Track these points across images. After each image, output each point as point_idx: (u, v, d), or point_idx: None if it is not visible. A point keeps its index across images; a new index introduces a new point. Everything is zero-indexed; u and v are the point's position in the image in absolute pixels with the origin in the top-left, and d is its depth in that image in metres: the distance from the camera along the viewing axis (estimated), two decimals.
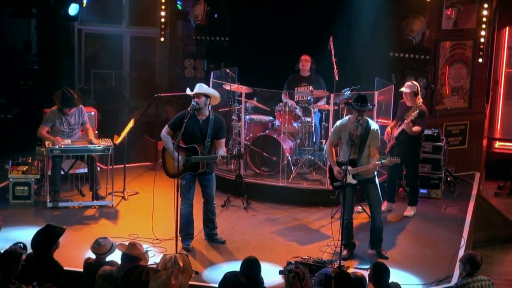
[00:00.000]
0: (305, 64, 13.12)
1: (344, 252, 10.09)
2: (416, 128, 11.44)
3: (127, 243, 8.38)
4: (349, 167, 9.91)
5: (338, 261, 9.57)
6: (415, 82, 11.81)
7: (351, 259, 10.16)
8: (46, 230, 8.46)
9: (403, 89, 11.63)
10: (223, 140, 10.28)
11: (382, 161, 10.06)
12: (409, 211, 11.91)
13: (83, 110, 12.10)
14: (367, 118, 10.12)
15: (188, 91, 10.23)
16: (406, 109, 11.59)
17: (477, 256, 8.41)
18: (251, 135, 12.90)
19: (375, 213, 10.22)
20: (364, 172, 10.05)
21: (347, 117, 10.28)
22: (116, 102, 16.42)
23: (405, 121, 11.40)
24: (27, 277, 7.88)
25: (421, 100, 11.67)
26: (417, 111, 11.38)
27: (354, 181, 10.02)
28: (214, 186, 10.47)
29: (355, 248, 10.35)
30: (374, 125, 10.09)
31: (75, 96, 11.92)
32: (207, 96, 10.14)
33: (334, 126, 10.34)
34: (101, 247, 8.48)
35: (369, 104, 10.13)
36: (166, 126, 10.30)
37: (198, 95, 10.09)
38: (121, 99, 16.63)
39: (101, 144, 11.83)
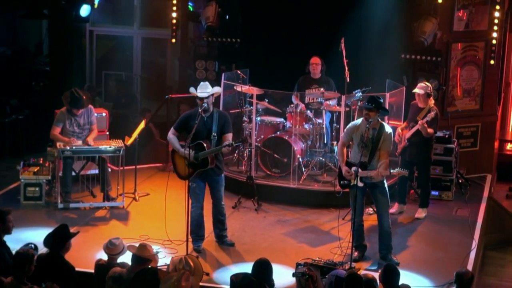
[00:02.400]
0: (315, 67, 13.12)
1: (355, 254, 10.06)
2: (430, 130, 11.42)
3: (137, 245, 8.39)
4: (359, 170, 9.86)
5: (349, 263, 9.56)
6: (428, 83, 11.79)
7: (362, 261, 10.14)
8: (60, 227, 8.48)
9: (416, 90, 11.59)
10: (230, 134, 10.25)
11: (391, 171, 9.97)
12: (420, 213, 11.88)
13: (92, 110, 12.11)
14: (382, 122, 10.07)
15: (192, 90, 10.22)
16: (418, 110, 11.56)
17: (466, 275, 7.86)
18: (262, 136, 12.89)
19: (382, 217, 10.12)
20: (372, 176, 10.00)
21: (360, 119, 10.21)
22: (127, 104, 16.43)
23: (420, 121, 11.36)
24: (38, 278, 7.88)
25: (433, 101, 11.65)
26: (433, 113, 11.34)
27: (361, 184, 9.91)
28: (223, 188, 10.48)
29: (366, 250, 10.33)
30: (387, 128, 10.02)
31: (84, 97, 11.94)
32: (212, 94, 10.22)
33: (347, 126, 10.32)
34: (115, 248, 8.48)
35: (370, 103, 9.85)
36: (172, 128, 10.35)
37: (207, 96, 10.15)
38: (132, 100, 16.64)
39: (112, 145, 11.84)
